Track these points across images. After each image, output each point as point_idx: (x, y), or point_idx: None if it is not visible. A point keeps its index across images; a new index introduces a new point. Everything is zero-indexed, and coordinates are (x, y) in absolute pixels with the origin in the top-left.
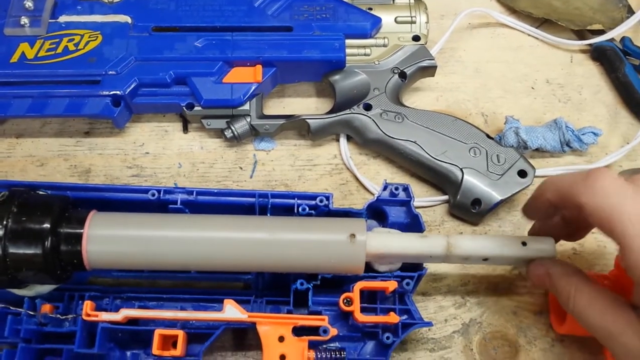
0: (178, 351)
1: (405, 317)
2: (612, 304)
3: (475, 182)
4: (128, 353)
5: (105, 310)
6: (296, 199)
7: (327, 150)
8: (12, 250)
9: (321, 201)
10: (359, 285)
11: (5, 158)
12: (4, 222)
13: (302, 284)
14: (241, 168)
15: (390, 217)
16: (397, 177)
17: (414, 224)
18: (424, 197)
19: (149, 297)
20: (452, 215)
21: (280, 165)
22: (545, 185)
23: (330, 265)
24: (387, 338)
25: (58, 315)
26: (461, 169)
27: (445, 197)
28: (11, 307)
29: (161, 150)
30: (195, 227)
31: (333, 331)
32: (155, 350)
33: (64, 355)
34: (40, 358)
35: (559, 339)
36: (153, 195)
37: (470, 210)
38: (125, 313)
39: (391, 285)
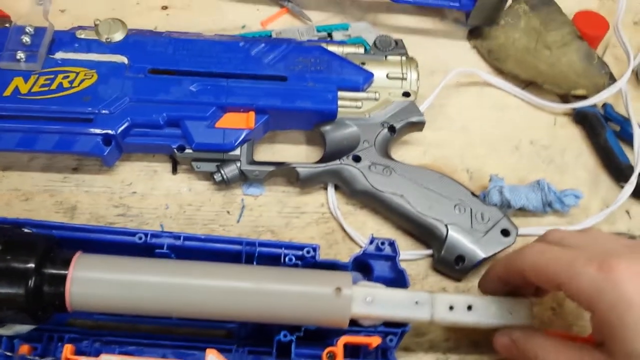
0: None
1: None
2: (578, 352)
3: (459, 239)
4: None
5: (84, 353)
6: (283, 248)
7: (314, 199)
8: None
9: (308, 252)
10: (342, 340)
11: None
12: None
13: (285, 335)
14: (228, 212)
15: (376, 271)
16: (383, 229)
17: (398, 279)
18: (408, 250)
19: (129, 341)
20: (435, 270)
21: (268, 212)
22: (493, 263)
23: (315, 318)
24: None
25: (36, 358)
26: (446, 225)
27: (430, 252)
28: None
29: (149, 191)
30: (180, 273)
31: None
32: None
33: None
34: None
35: None
36: (140, 238)
37: (453, 266)
38: (105, 359)
39: (375, 341)
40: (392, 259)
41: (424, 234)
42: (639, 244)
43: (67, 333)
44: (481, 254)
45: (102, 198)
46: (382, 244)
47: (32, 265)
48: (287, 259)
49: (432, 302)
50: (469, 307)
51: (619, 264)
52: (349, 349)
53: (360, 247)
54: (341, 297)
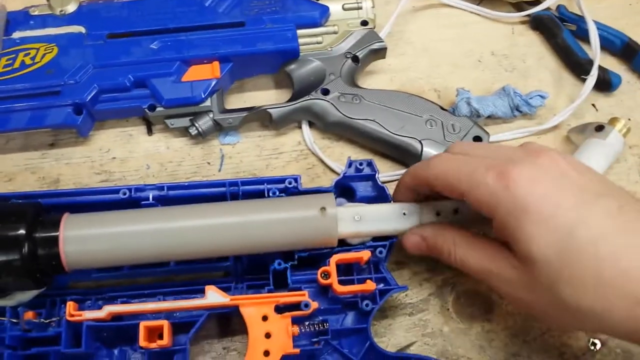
0: (165, 341)
1: (381, 285)
2: (488, 246)
3: (434, 152)
4: (115, 351)
5: (89, 310)
6: (265, 184)
7: (291, 138)
8: None
9: (290, 183)
10: (334, 258)
11: None
12: None
13: (279, 263)
14: (209, 163)
15: (358, 192)
16: (361, 156)
17: (380, 197)
18: (387, 172)
19: (130, 294)
20: None
21: (247, 157)
22: (403, 174)
23: (305, 241)
24: (367, 305)
25: (42, 320)
26: (420, 141)
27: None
28: None
29: (128, 154)
30: (170, 217)
31: (314, 305)
32: (142, 342)
33: (52, 358)
34: None
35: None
36: (124, 194)
37: None
38: (108, 309)
39: (365, 255)
40: (372, 177)
41: (400, 154)
42: (538, 150)
43: (68, 295)
44: None
45: (83, 167)
46: (361, 164)
47: (22, 231)
48: (270, 192)
49: (419, 211)
50: (455, 211)
51: (514, 171)
52: (342, 269)
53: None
54: (327, 216)
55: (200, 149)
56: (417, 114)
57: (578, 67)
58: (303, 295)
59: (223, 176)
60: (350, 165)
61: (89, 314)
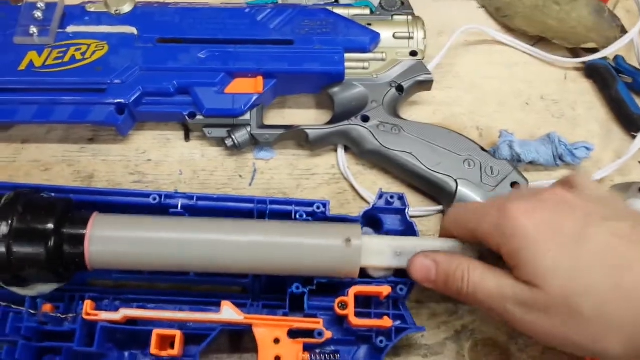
0: (175, 351)
1: (398, 322)
2: (502, 272)
3: (469, 193)
4: (126, 353)
5: (105, 310)
6: (294, 205)
7: (325, 161)
8: (16, 248)
9: (318, 208)
10: (353, 290)
11: (11, 163)
12: (9, 222)
13: (297, 287)
14: (241, 176)
15: (386, 225)
16: (394, 187)
17: (408, 232)
18: (418, 207)
19: (147, 299)
20: None
21: (279, 174)
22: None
23: (326, 269)
24: (381, 342)
25: (58, 315)
26: (455, 180)
27: (440, 208)
28: (13, 306)
29: (163, 158)
30: (195, 229)
31: (328, 334)
32: (153, 349)
33: (64, 354)
34: (40, 356)
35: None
36: (154, 199)
37: None
38: (124, 313)
39: (385, 290)
40: (402, 212)
41: (433, 190)
42: (544, 188)
43: (87, 292)
44: None
45: (118, 166)
46: (392, 197)
47: (51, 225)
48: (297, 215)
49: (462, 246)
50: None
51: (511, 205)
52: (361, 301)
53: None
54: (351, 247)
55: (234, 160)
56: (456, 152)
57: (629, 121)
58: (318, 323)
59: (253, 191)
60: (380, 197)
61: (105, 315)
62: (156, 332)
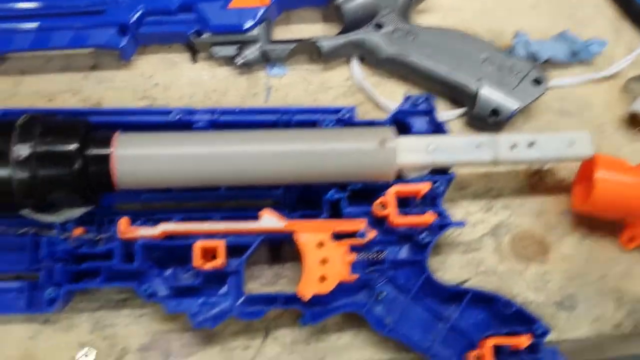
0: (219, 261)
1: (437, 219)
2: None
3: (491, 93)
4: (166, 271)
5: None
6: (320, 114)
7: (339, 73)
8: (41, 172)
9: (345, 114)
10: (393, 189)
11: (12, 96)
12: (31, 145)
13: (334, 193)
14: (254, 95)
15: (414, 129)
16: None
17: (438, 132)
18: (441, 112)
19: (181, 217)
20: (471, 127)
21: (294, 91)
22: None
23: (361, 173)
24: (423, 238)
25: (91, 237)
26: (477, 81)
27: (463, 110)
28: (43, 234)
29: (171, 81)
30: (225, 141)
31: (371, 233)
32: (196, 262)
33: (102, 274)
34: (77, 279)
35: (587, 234)
36: (176, 115)
37: (487, 121)
38: (163, 228)
39: (424, 187)
40: (429, 113)
41: (455, 93)
42: None
43: (116, 215)
44: (514, 105)
45: (125, 92)
46: (418, 100)
47: (75, 146)
48: (324, 123)
49: (494, 143)
50: (531, 144)
51: None
52: (398, 201)
53: None
54: (386, 148)
55: (245, 79)
56: (474, 53)
57: (638, 16)
58: (361, 223)
59: None
60: (407, 99)
61: (143, 232)
62: (198, 244)
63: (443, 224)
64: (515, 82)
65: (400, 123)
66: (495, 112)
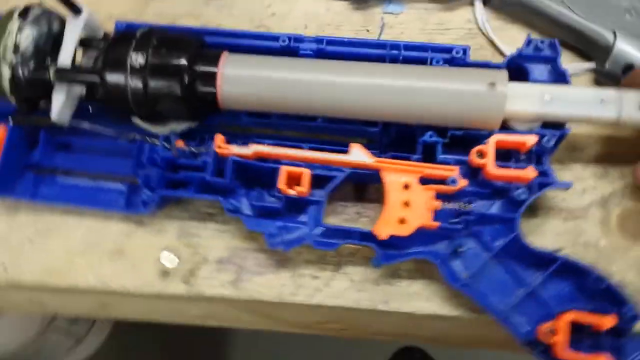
0: (303, 188)
1: (546, 178)
2: None
3: (628, 47)
4: (253, 192)
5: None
6: (430, 51)
7: (459, 15)
8: (152, 82)
9: (457, 53)
10: (495, 138)
11: (138, 16)
12: (145, 56)
13: (431, 136)
14: (368, 31)
15: (532, 76)
16: None
17: (560, 82)
18: (567, 64)
19: (275, 143)
20: (598, 85)
21: (409, 30)
22: None
23: (465, 117)
24: (520, 195)
25: (191, 149)
26: (614, 32)
27: (592, 65)
28: (148, 139)
29: (287, 12)
30: (329, 70)
31: (462, 182)
32: (280, 185)
33: (195, 184)
34: (172, 187)
35: None
36: (284, 41)
37: (619, 79)
38: (255, 148)
39: (530, 140)
40: (553, 60)
41: (586, 44)
42: None
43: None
44: None
45: (243, 20)
46: (542, 43)
47: (184, 61)
48: (434, 61)
49: (620, 99)
50: None
51: None
52: (498, 155)
53: None
54: (496, 92)
55: (360, 14)
56: (616, 3)
57: None
58: (452, 171)
59: None
60: (529, 43)
61: (236, 149)
62: (285, 168)
63: (545, 182)
64: None
65: (518, 68)
66: (629, 68)
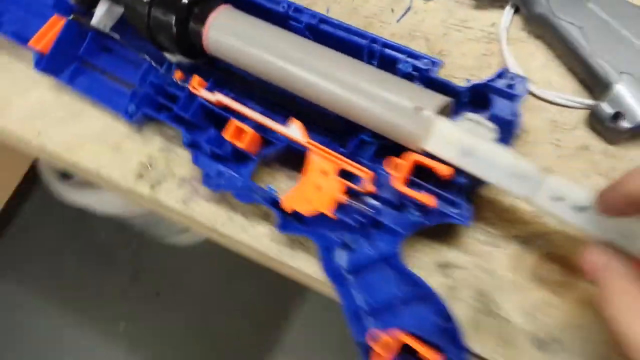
0: (242, 143)
1: (451, 209)
2: None
3: (628, 92)
4: (214, 133)
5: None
6: (405, 55)
7: (487, 16)
8: (153, 13)
9: (426, 64)
10: (414, 156)
11: None
12: None
13: (365, 136)
14: (392, 10)
15: (493, 109)
16: (551, 67)
17: (509, 128)
18: (568, 94)
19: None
20: (588, 126)
21: (432, 18)
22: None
23: (390, 130)
24: (414, 215)
25: (178, 82)
26: (619, 73)
27: (589, 102)
28: (153, 63)
29: None
30: (297, 49)
31: (368, 187)
32: (226, 134)
33: (168, 113)
34: (157, 109)
35: None
36: (283, 7)
37: (607, 122)
38: (218, 97)
39: (443, 170)
40: (515, 99)
41: (591, 78)
42: None
43: (211, 76)
44: None
45: None
46: (513, 79)
47: (185, 1)
48: (402, 64)
49: (537, 183)
50: (581, 209)
51: None
52: (427, 171)
53: None
54: (420, 117)
55: None
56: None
57: None
58: (366, 174)
59: (397, 29)
60: (500, 75)
61: (204, 93)
62: (234, 121)
63: (445, 213)
64: None
65: (483, 97)
66: (619, 115)
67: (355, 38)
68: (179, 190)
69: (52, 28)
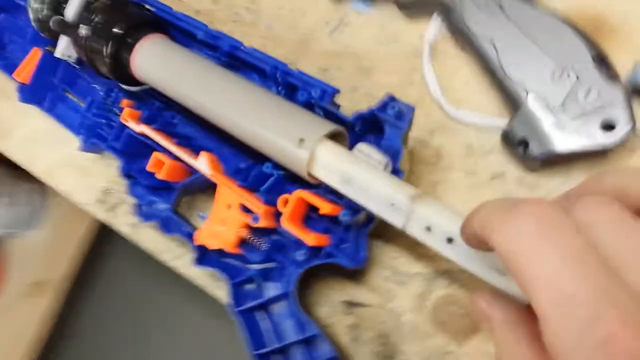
0: (161, 175)
1: (336, 247)
2: None
3: (535, 115)
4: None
5: (149, 120)
6: (305, 84)
7: (416, 28)
8: (91, 44)
9: (320, 96)
10: (298, 192)
11: None
12: (100, 18)
13: (267, 167)
14: (327, 23)
15: (385, 139)
16: (474, 83)
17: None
18: (485, 115)
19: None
20: (505, 149)
21: (365, 33)
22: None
23: (282, 160)
24: (298, 255)
25: (116, 111)
26: (528, 92)
27: (502, 123)
28: (102, 92)
29: None
30: (207, 78)
31: (263, 222)
32: (148, 165)
33: (105, 141)
34: (95, 133)
35: None
36: (203, 34)
37: (516, 149)
38: (142, 128)
39: (324, 208)
40: (399, 130)
41: (504, 97)
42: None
43: (155, 102)
44: (553, 144)
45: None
46: (398, 108)
47: (120, 30)
48: (299, 94)
49: (408, 212)
50: (449, 240)
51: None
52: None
53: (432, 97)
54: (300, 150)
55: (325, 6)
56: (554, 55)
57: None
58: (260, 208)
59: (329, 43)
60: (385, 105)
61: (131, 124)
62: (156, 154)
63: (332, 254)
64: (579, 112)
65: (377, 124)
66: (524, 142)
67: (263, 65)
68: (129, 215)
69: (32, 59)
